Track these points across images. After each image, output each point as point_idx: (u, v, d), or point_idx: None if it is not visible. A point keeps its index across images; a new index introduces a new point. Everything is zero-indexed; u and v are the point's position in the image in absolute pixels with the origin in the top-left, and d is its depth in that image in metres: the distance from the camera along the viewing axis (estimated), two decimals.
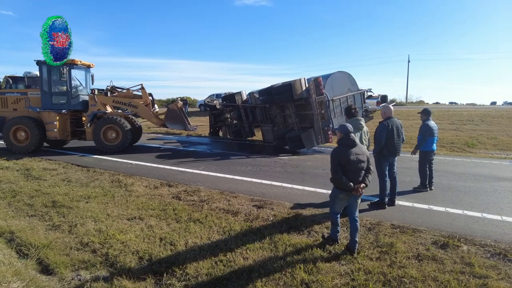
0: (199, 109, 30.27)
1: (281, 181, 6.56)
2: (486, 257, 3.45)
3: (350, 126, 3.70)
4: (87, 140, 10.87)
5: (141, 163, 8.65)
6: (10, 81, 13.40)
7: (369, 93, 21.30)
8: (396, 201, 5.12)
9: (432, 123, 5.82)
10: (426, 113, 5.89)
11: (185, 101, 31.72)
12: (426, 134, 5.74)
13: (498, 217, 4.53)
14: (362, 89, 11.03)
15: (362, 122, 4.84)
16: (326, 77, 10.29)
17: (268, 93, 11.01)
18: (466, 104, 46.86)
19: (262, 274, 3.25)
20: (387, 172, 5.02)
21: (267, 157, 9.65)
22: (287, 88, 9.90)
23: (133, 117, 11.67)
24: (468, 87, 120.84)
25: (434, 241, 3.82)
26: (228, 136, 14.42)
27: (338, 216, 3.76)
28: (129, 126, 10.47)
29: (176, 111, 10.83)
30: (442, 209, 4.90)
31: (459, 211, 4.78)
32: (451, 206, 5.00)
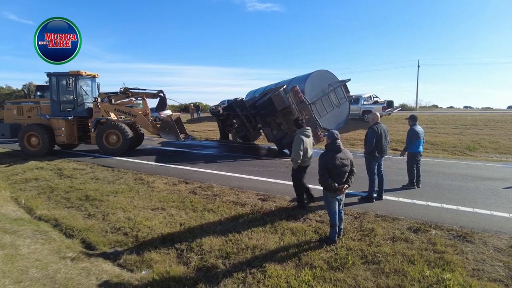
0: (211, 114, 31.20)
1: (285, 180, 7.29)
2: (449, 239, 4.14)
3: (337, 133, 4.09)
4: (91, 144, 11.72)
5: (160, 164, 9.56)
6: (25, 91, 14.68)
7: (375, 99, 21.86)
8: (383, 196, 5.80)
9: (418, 127, 6.48)
10: (413, 119, 6.56)
11: (197, 106, 32.94)
12: (413, 137, 6.41)
13: (470, 209, 5.18)
14: (342, 81, 11.43)
15: (309, 131, 5.33)
16: (304, 79, 10.79)
17: (254, 107, 11.53)
18: (482, 108, 45.86)
19: (263, 249, 4.04)
20: (375, 171, 5.73)
21: (273, 159, 10.43)
22: (269, 103, 10.45)
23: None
24: (485, 91, 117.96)
25: (409, 227, 4.52)
26: (238, 140, 15.28)
27: (337, 217, 4.04)
28: (129, 131, 11.25)
29: (170, 123, 11.61)
30: (423, 203, 5.56)
31: (438, 205, 5.44)
32: (432, 200, 5.66)
